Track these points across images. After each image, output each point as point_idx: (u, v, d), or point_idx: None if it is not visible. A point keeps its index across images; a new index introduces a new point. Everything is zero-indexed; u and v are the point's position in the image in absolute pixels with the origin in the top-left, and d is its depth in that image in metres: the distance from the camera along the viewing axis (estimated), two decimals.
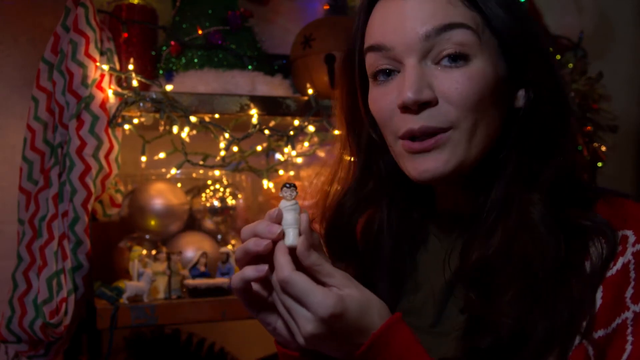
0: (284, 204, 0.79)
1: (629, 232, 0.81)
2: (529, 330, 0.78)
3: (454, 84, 0.82)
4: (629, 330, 0.78)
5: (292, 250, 0.78)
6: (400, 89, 0.83)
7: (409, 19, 0.83)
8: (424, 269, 0.96)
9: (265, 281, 0.82)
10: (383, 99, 0.86)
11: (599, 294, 0.79)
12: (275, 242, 0.78)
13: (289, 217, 0.78)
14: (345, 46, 0.94)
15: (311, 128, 1.67)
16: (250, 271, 0.79)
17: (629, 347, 0.77)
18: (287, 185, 0.80)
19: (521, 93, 0.87)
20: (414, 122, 0.83)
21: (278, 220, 0.78)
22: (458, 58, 0.82)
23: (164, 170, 1.84)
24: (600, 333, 0.78)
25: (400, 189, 0.93)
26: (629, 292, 0.79)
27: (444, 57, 0.83)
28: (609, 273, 0.80)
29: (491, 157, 0.87)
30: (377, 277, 0.95)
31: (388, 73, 0.86)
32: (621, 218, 0.83)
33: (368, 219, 0.98)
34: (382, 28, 0.86)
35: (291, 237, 0.78)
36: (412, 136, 0.84)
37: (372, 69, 0.88)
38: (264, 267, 0.79)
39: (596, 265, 0.80)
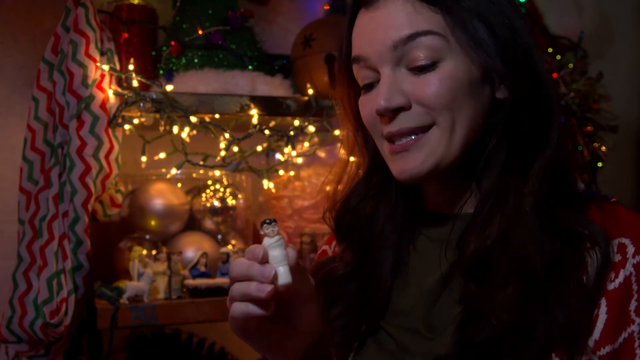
0: (268, 242, 0.76)
1: (626, 241, 0.81)
2: (526, 329, 0.78)
3: (425, 88, 0.84)
4: (637, 344, 0.78)
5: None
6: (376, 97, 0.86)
7: (378, 30, 0.86)
8: (412, 270, 0.96)
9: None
10: (366, 106, 0.90)
11: (604, 308, 0.79)
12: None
13: (276, 254, 0.76)
14: (339, 50, 0.98)
15: (311, 128, 1.67)
16: (255, 308, 0.77)
17: None
18: (267, 222, 0.76)
19: (502, 85, 0.87)
20: (392, 126, 0.86)
21: (265, 260, 0.76)
22: (428, 64, 0.84)
23: (164, 170, 1.84)
24: (607, 349, 0.78)
25: (400, 185, 0.94)
26: (633, 304, 0.79)
27: (415, 65, 0.85)
28: (612, 286, 0.80)
29: (477, 149, 0.88)
30: (380, 261, 0.97)
31: (372, 85, 0.90)
32: (615, 225, 0.83)
33: (374, 208, 0.99)
34: (359, 40, 0.90)
35: (283, 276, 0.76)
36: (392, 138, 0.87)
37: (359, 80, 0.92)
38: (270, 308, 0.77)
39: (593, 274, 0.80)
